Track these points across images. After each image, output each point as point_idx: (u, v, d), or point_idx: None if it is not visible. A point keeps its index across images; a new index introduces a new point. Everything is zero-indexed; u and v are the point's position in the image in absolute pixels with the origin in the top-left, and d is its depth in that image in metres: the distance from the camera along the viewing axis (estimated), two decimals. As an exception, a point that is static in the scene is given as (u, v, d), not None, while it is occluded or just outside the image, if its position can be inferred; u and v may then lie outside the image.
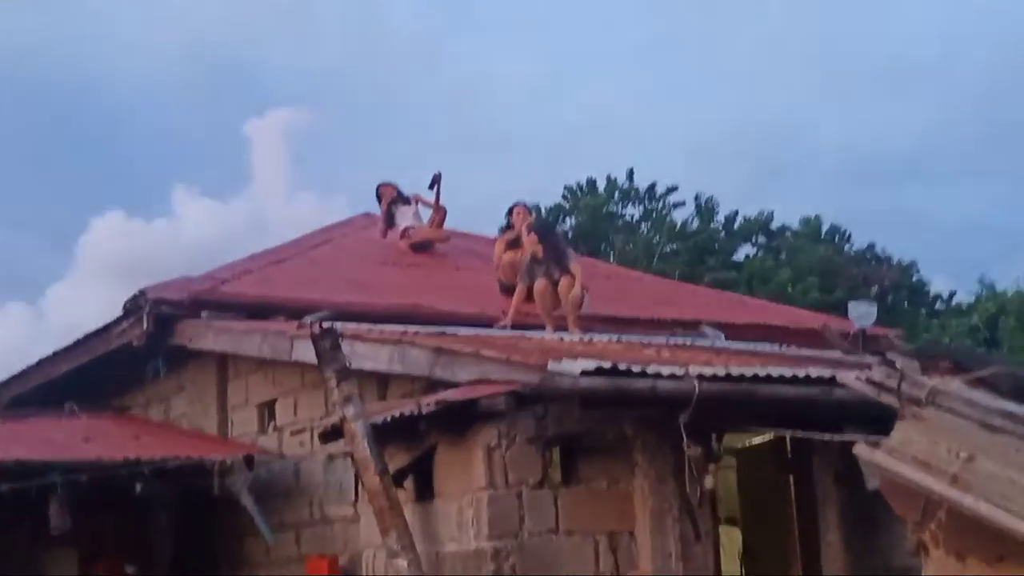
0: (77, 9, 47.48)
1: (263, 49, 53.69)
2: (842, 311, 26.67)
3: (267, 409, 10.24)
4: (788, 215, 33.77)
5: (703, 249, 30.59)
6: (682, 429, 6.49)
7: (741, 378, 6.67)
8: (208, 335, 10.03)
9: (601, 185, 30.46)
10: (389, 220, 13.92)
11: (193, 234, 34.29)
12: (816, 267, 31.55)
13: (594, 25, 54.64)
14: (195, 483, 9.13)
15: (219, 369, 10.75)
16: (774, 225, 34.02)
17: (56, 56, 45.80)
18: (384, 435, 6.89)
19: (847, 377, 5.32)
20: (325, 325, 6.71)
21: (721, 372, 6.66)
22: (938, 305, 34.99)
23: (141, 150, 49.24)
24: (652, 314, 12.73)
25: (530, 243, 10.98)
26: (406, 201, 13.97)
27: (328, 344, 6.63)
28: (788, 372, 6.84)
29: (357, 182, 46.23)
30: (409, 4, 55.19)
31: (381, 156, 47.14)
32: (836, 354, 8.71)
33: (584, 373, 6.21)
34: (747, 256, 32.52)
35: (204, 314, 10.16)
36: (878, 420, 7.26)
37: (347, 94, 52.79)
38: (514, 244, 12.69)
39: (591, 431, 6.80)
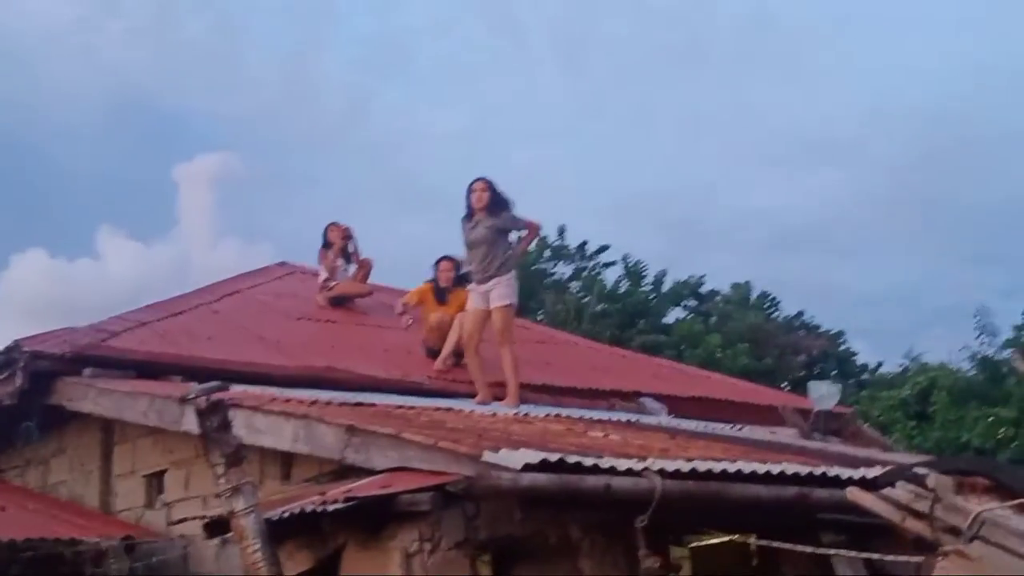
0: (2, 51, 46.01)
1: (192, 95, 52.72)
2: (771, 379, 26.15)
3: (156, 481, 9.00)
4: (711, 280, 33.42)
5: (633, 312, 29.78)
6: (639, 535, 5.44)
7: (709, 475, 5.64)
8: (88, 396, 8.79)
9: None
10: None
11: (116, 276, 33.38)
12: (746, 333, 30.96)
13: (523, 86, 54.48)
14: (64, 570, 7.86)
15: (104, 432, 9.48)
16: (704, 289, 33.52)
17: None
18: (282, 531, 5.72)
19: (861, 496, 4.30)
20: (212, 398, 5.56)
21: (686, 467, 5.63)
22: (864, 376, 34.63)
23: (66, 190, 47.72)
24: (589, 383, 11.74)
25: (477, 199, 10.28)
26: (348, 256, 12.92)
27: (216, 422, 5.48)
28: (762, 468, 5.83)
29: (283, 230, 45.08)
30: (339, 55, 54.54)
31: (307, 205, 46.06)
32: (811, 443, 7.74)
33: (527, 467, 5.14)
34: (677, 319, 31.82)
35: (86, 371, 8.94)
36: (857, 529, 6.33)
37: (276, 142, 51.92)
38: (438, 297, 11.67)
39: (530, 534, 5.70)
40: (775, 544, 5.88)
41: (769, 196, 49.52)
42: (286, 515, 5.56)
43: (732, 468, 5.71)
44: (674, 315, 32.53)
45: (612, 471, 5.37)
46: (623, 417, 9.57)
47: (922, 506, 3.74)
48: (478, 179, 10.37)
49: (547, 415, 8.71)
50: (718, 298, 33.61)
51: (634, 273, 30.49)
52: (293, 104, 52.28)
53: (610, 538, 5.83)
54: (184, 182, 36.46)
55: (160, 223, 60.09)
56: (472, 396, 9.95)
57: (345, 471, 6.49)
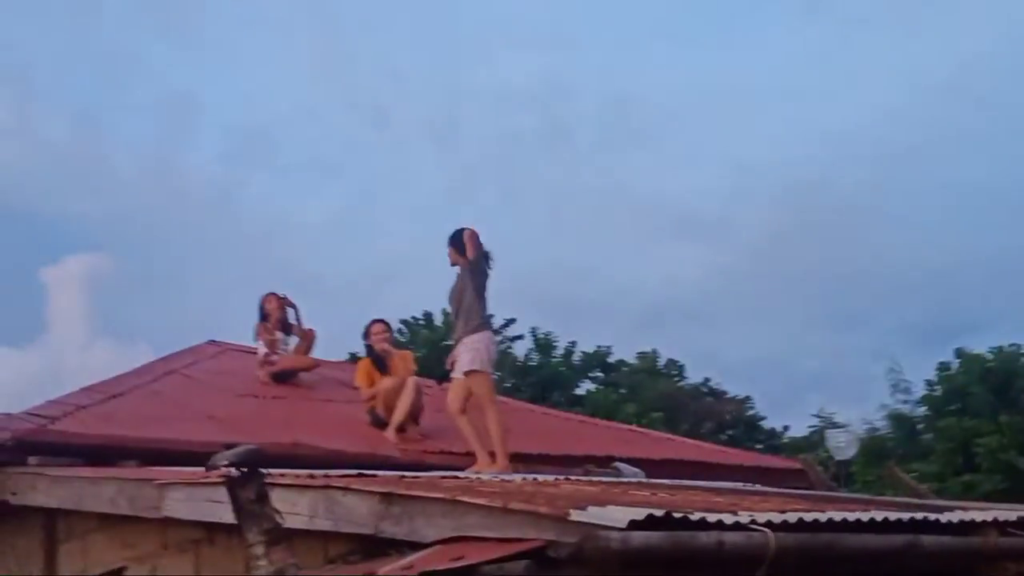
0: None
1: (57, 197, 51.06)
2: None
3: (112, 580, 7.95)
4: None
5: (546, 384, 29.20)
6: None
7: (823, 525, 4.96)
8: (39, 486, 7.74)
9: (438, 318, 28.71)
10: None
11: (-12, 382, 31.44)
12: (658, 401, 30.69)
13: (392, 171, 54.34)
14: None
15: (45, 528, 8.39)
16: (610, 360, 33.22)
17: None
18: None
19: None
20: (246, 464, 4.70)
21: (793, 519, 4.93)
22: (772, 440, 34.59)
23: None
24: (559, 449, 11.01)
25: (456, 257, 9.58)
26: (287, 328, 12.05)
27: (253, 494, 4.62)
28: (879, 516, 5.17)
29: (158, 327, 43.40)
30: (205, 148, 53.64)
31: (182, 301, 44.65)
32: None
33: (634, 525, 4.38)
34: (588, 391, 31.39)
35: (32, 459, 7.90)
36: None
37: (146, 239, 50.42)
38: (379, 367, 10.90)
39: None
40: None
41: (638, 272, 49.95)
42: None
43: (849, 518, 5.03)
44: (584, 386, 32.16)
45: (721, 525, 4.64)
46: (626, 479, 8.85)
47: None
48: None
49: (557, 479, 7.93)
50: (626, 368, 33.32)
51: (545, 345, 29.96)
52: (161, 200, 51.18)
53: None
54: (53, 284, 35.02)
55: (31, 328, 57.49)
56: (447, 468, 9.15)
57: (372, 548, 5.64)
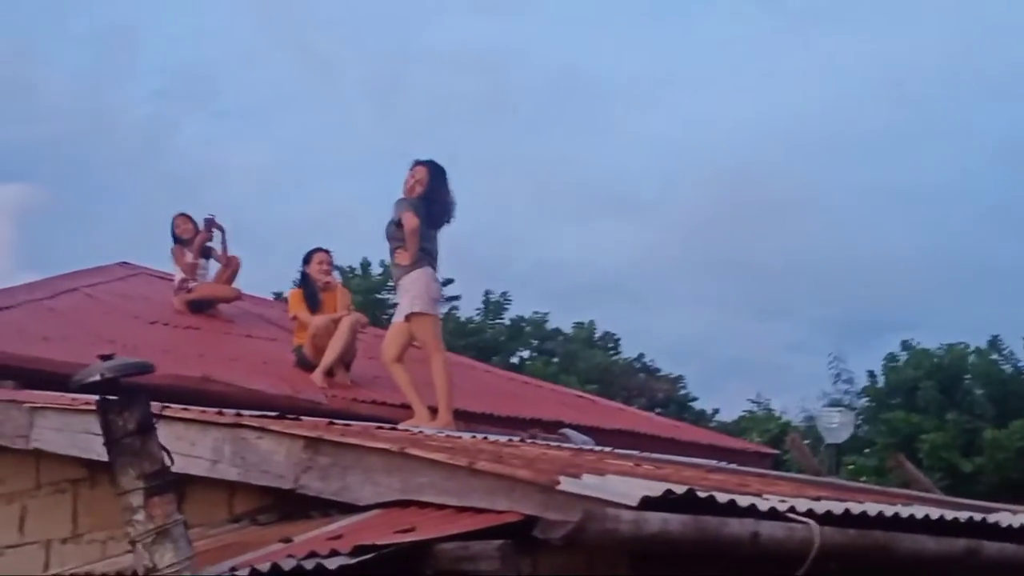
0: None
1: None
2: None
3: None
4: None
5: (486, 349, 27.95)
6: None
7: (874, 520, 3.85)
8: None
9: (376, 268, 27.30)
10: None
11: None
12: (594, 373, 29.73)
13: (332, 123, 52.93)
14: None
15: None
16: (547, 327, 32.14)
17: None
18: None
19: None
20: (128, 382, 3.48)
21: (838, 509, 3.81)
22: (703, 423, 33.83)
23: None
24: (503, 410, 9.85)
25: (413, 181, 8.42)
26: (208, 253, 10.79)
27: (133, 423, 3.39)
28: (935, 514, 4.06)
29: (83, 262, 41.48)
30: (141, 84, 51.70)
31: (107, 237, 42.75)
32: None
33: (647, 504, 3.23)
34: (522, 359, 30.26)
35: None
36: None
37: (76, 173, 48.19)
38: (311, 302, 9.66)
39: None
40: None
41: (568, 248, 49.00)
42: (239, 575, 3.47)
43: (904, 513, 3.91)
44: (518, 355, 31.04)
45: (756, 512, 3.51)
46: (578, 447, 7.71)
47: None
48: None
49: (511, 440, 6.77)
50: (561, 337, 32.27)
51: (495, 308, 28.74)
52: (94, 134, 49.15)
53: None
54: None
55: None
56: (379, 420, 7.98)
57: (288, 507, 4.46)
